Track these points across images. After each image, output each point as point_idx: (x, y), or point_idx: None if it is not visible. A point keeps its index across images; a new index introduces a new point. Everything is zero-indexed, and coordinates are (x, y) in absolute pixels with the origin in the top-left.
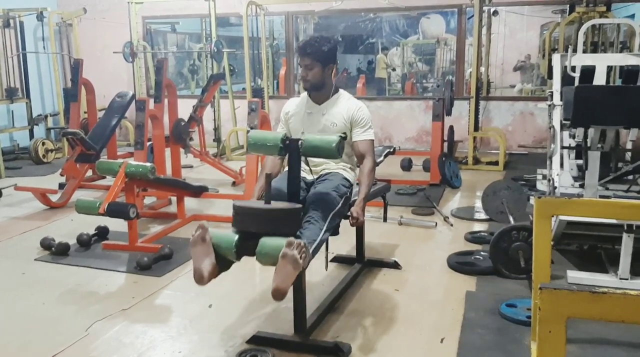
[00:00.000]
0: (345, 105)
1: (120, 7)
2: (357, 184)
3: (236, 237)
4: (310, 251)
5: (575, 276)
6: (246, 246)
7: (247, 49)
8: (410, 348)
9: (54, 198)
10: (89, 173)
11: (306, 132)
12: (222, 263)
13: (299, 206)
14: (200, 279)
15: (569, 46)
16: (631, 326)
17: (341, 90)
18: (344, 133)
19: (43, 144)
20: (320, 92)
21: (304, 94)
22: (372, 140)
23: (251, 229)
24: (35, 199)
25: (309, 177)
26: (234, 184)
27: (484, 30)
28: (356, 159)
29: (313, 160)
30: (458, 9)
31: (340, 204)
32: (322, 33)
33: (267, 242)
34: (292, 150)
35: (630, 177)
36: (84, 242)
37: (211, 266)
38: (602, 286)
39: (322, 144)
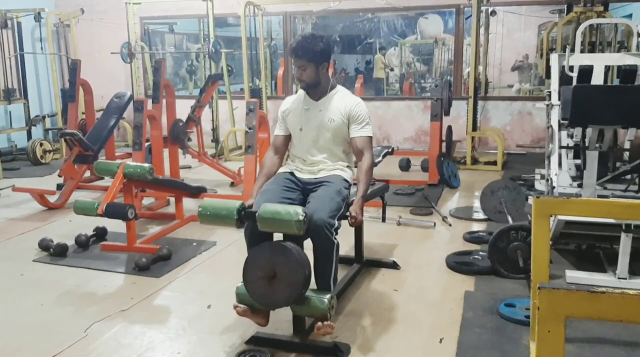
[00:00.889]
0: (342, 101)
1: (117, 8)
2: (355, 183)
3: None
4: (332, 289)
5: (574, 275)
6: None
7: (245, 49)
8: (409, 348)
9: (52, 199)
10: (87, 174)
11: (304, 128)
12: (261, 310)
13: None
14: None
15: (567, 46)
16: (629, 325)
17: (339, 86)
18: (304, 215)
19: (41, 144)
20: (316, 90)
21: (302, 91)
22: (370, 136)
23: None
24: (33, 200)
25: (305, 176)
26: (232, 184)
27: (481, 30)
28: (354, 157)
29: (309, 159)
30: (456, 9)
31: (342, 208)
32: (318, 32)
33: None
34: (250, 221)
35: (628, 176)
36: (83, 243)
37: (263, 319)
38: (601, 286)
39: (281, 218)
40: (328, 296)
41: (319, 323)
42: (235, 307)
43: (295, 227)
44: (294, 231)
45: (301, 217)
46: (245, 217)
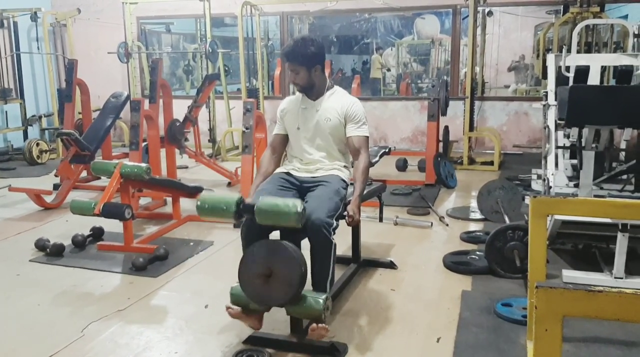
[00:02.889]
0: (339, 101)
1: (114, 8)
2: (352, 183)
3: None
4: (328, 290)
5: (571, 275)
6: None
7: (242, 49)
8: (406, 348)
9: (49, 199)
10: (84, 174)
11: (301, 127)
12: (256, 311)
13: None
14: (257, 330)
15: (563, 46)
16: (626, 325)
17: (336, 87)
18: (303, 208)
19: (37, 144)
20: (312, 91)
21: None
22: (367, 136)
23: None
24: (29, 200)
25: (301, 175)
26: (229, 184)
27: (478, 31)
28: (351, 157)
29: (306, 158)
30: (453, 10)
31: (340, 208)
32: (317, 33)
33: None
34: (248, 215)
35: (625, 176)
36: (79, 243)
37: (257, 322)
38: (597, 285)
39: (280, 211)
40: (324, 296)
41: (314, 325)
42: (227, 308)
43: (294, 219)
44: (292, 223)
45: (300, 209)
46: (243, 210)
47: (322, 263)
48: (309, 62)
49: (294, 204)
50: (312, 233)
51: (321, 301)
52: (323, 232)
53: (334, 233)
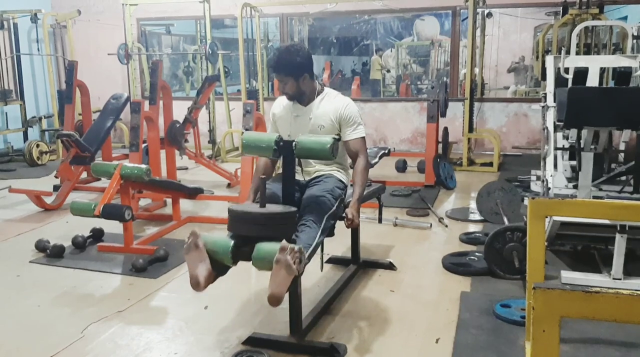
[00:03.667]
0: (332, 105)
1: (114, 9)
2: (352, 185)
3: (232, 242)
4: (306, 255)
5: (569, 276)
6: (242, 250)
7: (241, 50)
8: (405, 348)
9: (49, 200)
10: (84, 175)
11: (292, 135)
12: (218, 268)
13: (294, 209)
14: (196, 285)
15: (562, 48)
16: (624, 326)
17: (326, 89)
18: (338, 134)
19: (37, 146)
20: (303, 98)
21: None
22: (364, 137)
23: (247, 233)
24: (29, 201)
25: (301, 178)
26: (229, 185)
27: (478, 32)
28: (349, 160)
29: (306, 161)
30: (452, 11)
31: (335, 206)
32: (316, 35)
33: (263, 248)
34: (286, 152)
35: (624, 178)
36: (79, 244)
37: (207, 272)
38: (596, 286)
39: (315, 145)
40: (298, 246)
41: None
42: (194, 235)
43: (328, 150)
44: (327, 154)
45: (332, 142)
46: (282, 148)
47: (311, 228)
48: (296, 71)
49: (327, 140)
50: (312, 198)
51: (293, 246)
52: (325, 196)
53: (337, 204)
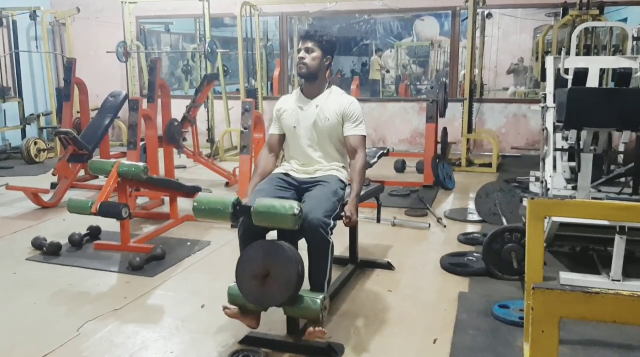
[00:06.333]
0: (337, 101)
1: (113, 7)
2: (349, 184)
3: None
4: (326, 290)
5: (568, 277)
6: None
7: (241, 49)
8: (403, 349)
9: (46, 198)
10: (82, 173)
11: (297, 126)
12: (253, 311)
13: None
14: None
15: (562, 49)
16: (623, 327)
17: (333, 87)
18: (300, 210)
19: (35, 143)
20: (313, 84)
21: (296, 90)
22: (364, 135)
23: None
24: (26, 199)
25: (300, 176)
26: (227, 184)
27: (477, 33)
28: (348, 156)
29: (303, 158)
30: (452, 11)
31: (337, 208)
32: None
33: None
34: (245, 216)
35: (623, 179)
36: (76, 242)
37: (252, 320)
38: (595, 287)
39: (276, 211)
40: (321, 296)
41: (310, 328)
42: (224, 308)
43: (291, 221)
44: (289, 225)
45: (296, 211)
46: (240, 212)
47: (319, 263)
48: (325, 47)
49: (291, 205)
50: (310, 233)
51: (318, 301)
52: (320, 232)
53: (332, 233)
